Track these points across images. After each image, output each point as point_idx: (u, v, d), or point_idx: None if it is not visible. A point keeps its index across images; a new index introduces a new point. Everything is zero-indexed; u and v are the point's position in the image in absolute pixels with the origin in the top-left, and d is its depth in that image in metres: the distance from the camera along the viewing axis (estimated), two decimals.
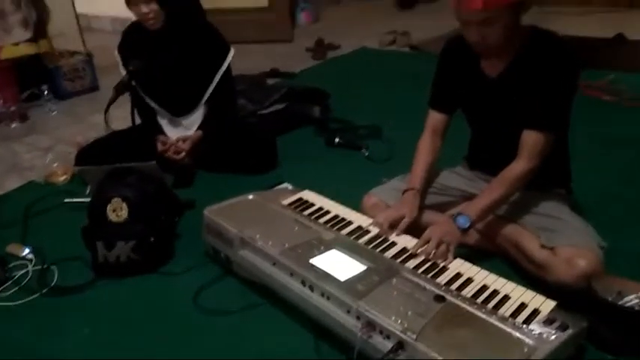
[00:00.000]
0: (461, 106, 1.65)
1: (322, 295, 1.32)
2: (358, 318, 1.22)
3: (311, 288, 1.35)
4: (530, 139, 1.44)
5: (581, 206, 1.66)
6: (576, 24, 3.80)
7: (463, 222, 1.44)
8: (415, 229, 1.55)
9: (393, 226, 1.54)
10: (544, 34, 1.46)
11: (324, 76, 3.48)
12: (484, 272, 1.36)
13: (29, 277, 1.71)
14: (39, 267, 1.74)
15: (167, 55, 2.17)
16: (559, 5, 4.11)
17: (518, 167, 1.46)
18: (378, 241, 1.51)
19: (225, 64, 2.25)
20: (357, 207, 1.70)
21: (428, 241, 1.43)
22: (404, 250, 1.46)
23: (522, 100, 1.45)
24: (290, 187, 1.98)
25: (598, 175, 2.03)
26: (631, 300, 1.23)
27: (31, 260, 1.78)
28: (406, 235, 1.52)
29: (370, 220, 1.60)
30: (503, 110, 1.52)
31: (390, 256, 1.44)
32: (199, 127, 2.27)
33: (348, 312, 1.25)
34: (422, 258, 1.42)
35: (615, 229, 1.64)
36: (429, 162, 1.65)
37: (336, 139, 2.49)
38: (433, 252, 1.40)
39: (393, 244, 1.49)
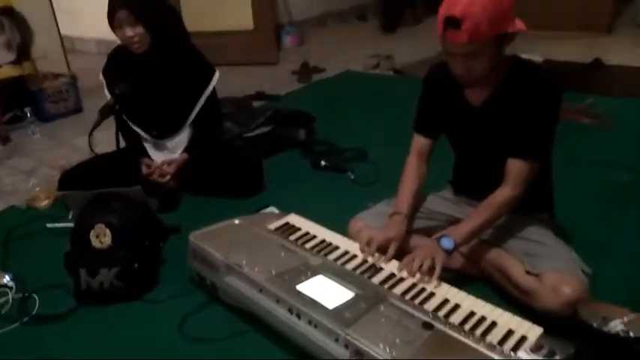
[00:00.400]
0: (445, 131, 1.68)
1: (309, 322, 1.31)
2: (346, 346, 1.22)
3: (298, 315, 1.33)
4: (516, 167, 1.47)
5: (564, 231, 1.68)
6: (554, 49, 3.90)
7: (447, 244, 1.46)
8: (402, 254, 1.54)
9: (381, 251, 1.53)
10: (525, 63, 1.50)
11: (310, 98, 3.50)
12: (471, 298, 1.36)
13: (9, 305, 1.68)
14: (20, 294, 1.71)
15: (152, 78, 2.17)
16: (537, 30, 4.21)
17: (503, 194, 1.48)
18: (365, 266, 1.51)
19: (211, 87, 2.26)
20: (343, 230, 1.70)
21: (410, 260, 1.45)
22: (391, 275, 1.46)
23: (506, 129, 1.48)
24: (276, 210, 1.98)
25: (579, 198, 2.06)
26: (616, 325, 1.24)
27: (11, 288, 1.74)
28: (394, 261, 1.52)
29: (357, 245, 1.60)
30: (486, 138, 1.54)
31: (378, 282, 1.43)
32: (185, 150, 2.26)
33: (336, 340, 1.24)
34: (410, 283, 1.42)
35: (598, 254, 1.66)
36: (415, 187, 1.66)
37: (322, 162, 2.50)
38: (418, 270, 1.42)
39: (380, 269, 1.49)
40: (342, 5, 5.62)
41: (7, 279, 1.77)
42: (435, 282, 1.41)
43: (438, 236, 1.49)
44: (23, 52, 3.15)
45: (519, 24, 1.39)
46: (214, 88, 2.27)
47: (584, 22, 4.38)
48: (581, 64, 3.66)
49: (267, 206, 2.04)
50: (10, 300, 1.69)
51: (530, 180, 1.47)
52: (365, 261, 1.53)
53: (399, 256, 1.54)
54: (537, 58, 3.33)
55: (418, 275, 1.43)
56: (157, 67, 2.16)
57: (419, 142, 1.69)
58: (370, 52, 4.18)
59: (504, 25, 1.36)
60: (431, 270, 1.42)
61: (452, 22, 1.32)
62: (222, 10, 4.18)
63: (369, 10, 5.66)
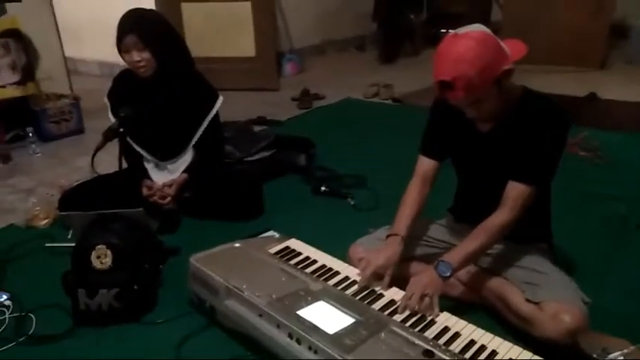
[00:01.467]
0: (451, 156, 1.69)
1: (310, 348, 1.30)
2: None
3: (298, 341, 1.33)
4: (515, 191, 1.48)
5: (564, 261, 1.70)
6: (549, 83, 3.97)
7: (444, 269, 1.46)
8: (401, 279, 1.55)
9: (378, 277, 1.54)
10: (535, 93, 1.51)
11: (310, 125, 3.54)
12: (471, 327, 1.37)
13: (6, 324, 1.66)
14: (16, 314, 1.69)
15: (157, 102, 2.19)
16: (531, 64, 4.30)
17: (500, 217, 1.49)
18: (365, 292, 1.51)
19: (214, 111, 2.29)
20: (343, 256, 1.71)
21: (409, 297, 1.44)
22: (391, 302, 1.46)
23: (510, 155, 1.49)
24: (276, 234, 1.98)
25: (577, 230, 2.08)
26: (616, 357, 1.25)
27: (8, 307, 1.72)
28: (393, 288, 1.52)
29: (357, 271, 1.60)
30: (493, 165, 1.56)
31: (378, 308, 1.44)
32: (185, 171, 2.28)
33: None
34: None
35: (597, 286, 1.67)
36: (415, 210, 1.65)
37: (322, 188, 2.52)
38: (417, 307, 1.41)
39: (381, 295, 1.50)
40: (341, 35, 5.72)
41: (3, 298, 1.76)
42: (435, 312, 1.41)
43: (435, 263, 1.49)
44: (28, 73, 3.19)
45: (516, 51, 1.40)
46: (217, 113, 2.30)
47: (577, 57, 4.47)
48: (577, 98, 3.73)
49: (267, 230, 2.04)
50: (7, 319, 1.68)
51: (527, 205, 1.48)
52: (365, 287, 1.53)
53: (397, 281, 1.54)
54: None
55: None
56: (161, 90, 2.19)
57: (424, 164, 1.69)
58: (369, 81, 4.25)
59: (496, 69, 1.36)
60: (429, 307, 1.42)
61: (445, 85, 1.37)
62: (224, 36, 4.26)
63: (367, 41, 5.77)
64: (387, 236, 1.63)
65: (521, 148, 1.47)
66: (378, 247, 1.67)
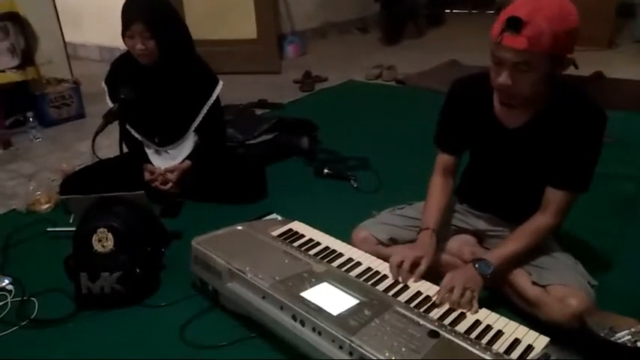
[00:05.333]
0: (470, 149, 1.62)
1: (314, 330, 1.29)
2: (351, 354, 1.20)
3: (302, 322, 1.32)
4: (558, 198, 1.43)
5: (570, 243, 1.67)
6: None
7: (485, 268, 1.40)
8: (431, 269, 1.49)
9: (410, 269, 1.46)
10: (569, 88, 1.41)
11: (313, 107, 3.50)
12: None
13: (8, 308, 1.66)
14: (18, 298, 1.69)
15: (156, 87, 2.16)
16: None
17: (543, 221, 1.45)
18: (369, 273, 1.49)
19: (214, 96, 2.25)
20: (346, 238, 1.69)
21: (450, 289, 1.36)
22: (397, 284, 1.44)
23: (545, 156, 1.43)
24: (279, 217, 1.96)
25: (584, 210, 2.04)
26: (623, 336, 1.23)
27: (10, 291, 1.72)
28: (423, 281, 1.46)
29: (360, 252, 1.59)
30: (518, 162, 1.49)
31: (382, 289, 1.42)
32: (188, 157, 2.26)
33: (341, 348, 1.22)
34: (414, 291, 1.40)
35: (605, 266, 1.65)
36: (441, 201, 1.59)
37: (325, 170, 2.49)
38: (459, 300, 1.34)
39: (385, 276, 1.48)
40: (343, 17, 5.65)
41: (5, 282, 1.75)
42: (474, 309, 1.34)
43: (474, 260, 1.44)
44: (27, 57, 3.15)
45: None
46: (218, 97, 2.27)
47: (585, 36, 4.38)
48: (582, 77, 3.67)
49: (270, 213, 2.02)
50: (9, 303, 1.67)
51: (571, 209, 1.44)
52: (369, 268, 1.51)
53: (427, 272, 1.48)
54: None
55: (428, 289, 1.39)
56: (161, 76, 2.15)
57: (443, 159, 1.63)
58: (372, 63, 4.19)
59: (564, 47, 1.27)
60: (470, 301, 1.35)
61: (514, 24, 1.23)
62: (225, 19, 4.21)
63: (369, 22, 5.70)
64: (419, 231, 1.57)
65: (557, 150, 1.40)
66: (382, 230, 1.66)
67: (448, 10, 5.80)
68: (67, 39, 3.60)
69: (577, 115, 1.38)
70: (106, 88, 2.25)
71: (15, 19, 3.08)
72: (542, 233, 1.46)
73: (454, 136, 1.60)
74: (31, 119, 3.11)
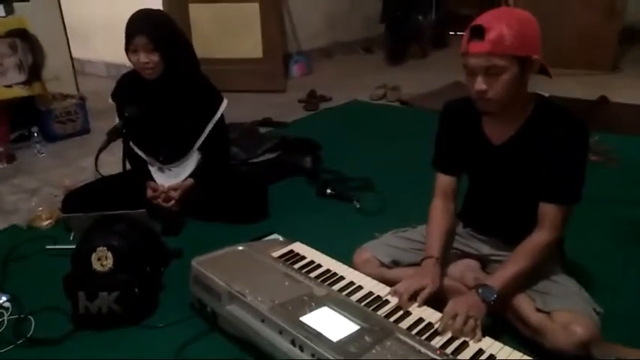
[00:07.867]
0: (467, 171, 1.63)
1: (313, 355, 1.26)
2: None
3: (301, 348, 1.29)
4: (551, 212, 1.42)
5: (575, 269, 1.65)
6: (559, 86, 3.91)
7: (489, 295, 1.38)
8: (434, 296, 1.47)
9: (412, 296, 1.45)
10: (548, 102, 1.46)
11: (316, 127, 3.50)
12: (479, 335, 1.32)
13: (4, 326, 1.64)
14: (15, 316, 1.67)
15: (161, 104, 2.17)
16: None
17: (540, 238, 1.43)
18: (371, 298, 1.47)
19: (218, 115, 2.26)
20: (348, 259, 1.67)
21: (452, 316, 1.34)
22: (398, 308, 1.42)
23: (531, 171, 1.44)
24: (280, 238, 1.95)
25: (590, 236, 2.03)
26: None
27: (7, 309, 1.70)
28: (424, 306, 1.44)
29: (362, 276, 1.56)
30: (506, 178, 1.50)
31: (384, 314, 1.40)
32: (190, 176, 2.25)
33: None
34: (416, 318, 1.38)
35: (611, 293, 1.62)
36: (443, 225, 1.59)
37: (328, 190, 2.48)
38: (461, 328, 1.32)
39: (387, 302, 1.45)
40: (349, 37, 5.69)
41: (3, 299, 1.74)
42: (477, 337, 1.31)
43: (477, 285, 1.42)
44: (34, 73, 3.17)
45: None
46: (222, 116, 2.28)
47: (589, 60, 4.42)
48: (587, 101, 3.67)
49: (271, 233, 2.01)
50: (6, 321, 1.65)
51: (567, 222, 1.44)
52: (370, 293, 1.49)
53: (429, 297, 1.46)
54: (543, 94, 3.34)
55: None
56: (166, 93, 2.16)
57: (441, 180, 1.63)
58: (376, 83, 4.21)
59: (528, 49, 1.33)
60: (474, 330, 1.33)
61: (477, 32, 1.32)
62: (232, 37, 4.24)
63: (374, 43, 5.73)
64: (422, 260, 1.55)
65: (545, 165, 1.41)
66: (385, 252, 1.64)
67: (452, 32, 5.85)
68: (74, 55, 3.63)
69: (559, 127, 1.41)
70: (114, 104, 2.26)
71: (23, 35, 3.11)
72: (541, 250, 1.44)
73: (450, 156, 1.62)
74: (35, 134, 3.12)
